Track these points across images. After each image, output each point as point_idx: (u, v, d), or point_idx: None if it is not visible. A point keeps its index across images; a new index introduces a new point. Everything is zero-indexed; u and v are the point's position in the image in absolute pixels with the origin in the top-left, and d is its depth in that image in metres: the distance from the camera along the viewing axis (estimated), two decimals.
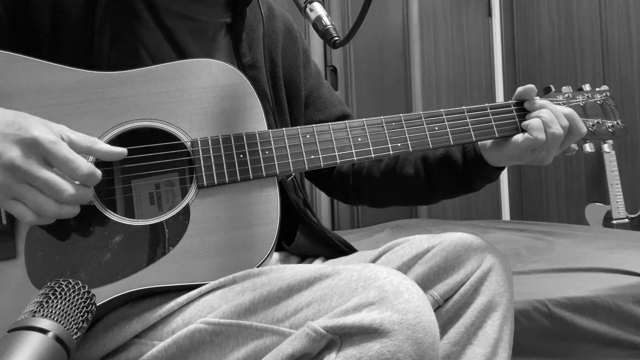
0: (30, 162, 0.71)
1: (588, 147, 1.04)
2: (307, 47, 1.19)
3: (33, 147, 0.72)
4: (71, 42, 0.89)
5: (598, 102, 1.06)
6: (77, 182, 0.75)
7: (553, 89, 1.06)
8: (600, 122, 1.04)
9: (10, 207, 0.73)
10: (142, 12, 0.96)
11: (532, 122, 0.96)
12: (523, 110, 1.00)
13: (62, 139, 0.75)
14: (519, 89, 1.01)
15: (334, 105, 1.17)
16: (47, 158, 0.73)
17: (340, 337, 0.68)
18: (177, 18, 0.98)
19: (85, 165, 0.74)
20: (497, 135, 0.98)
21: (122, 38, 0.92)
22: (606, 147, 1.06)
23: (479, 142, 1.02)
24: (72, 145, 0.76)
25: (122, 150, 0.80)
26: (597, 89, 1.08)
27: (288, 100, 1.10)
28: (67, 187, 0.73)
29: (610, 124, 1.05)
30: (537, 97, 1.00)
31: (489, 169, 1.03)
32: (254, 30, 1.06)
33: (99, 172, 0.76)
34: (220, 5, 1.04)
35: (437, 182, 1.08)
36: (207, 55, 0.97)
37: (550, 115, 0.96)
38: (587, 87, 1.08)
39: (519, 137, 0.97)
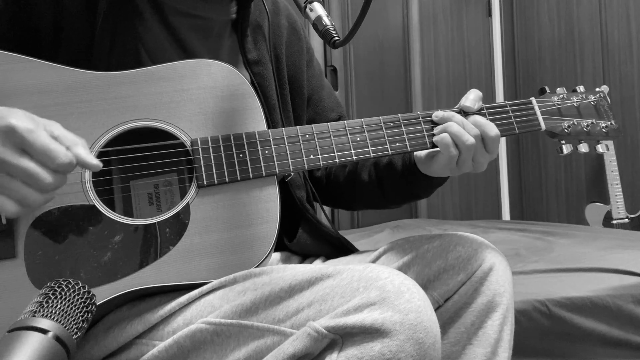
0: (6, 150, 0.69)
1: (582, 148, 1.05)
2: (310, 45, 1.18)
3: (10, 135, 0.69)
4: (72, 42, 0.89)
5: (592, 103, 1.07)
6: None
7: (548, 90, 1.07)
8: (594, 122, 1.06)
9: None
10: (146, 12, 0.95)
11: (440, 138, 0.93)
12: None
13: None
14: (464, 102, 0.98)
15: (332, 109, 1.17)
16: (24, 147, 0.69)
17: (342, 337, 0.68)
18: (181, 16, 0.97)
19: (64, 153, 0.71)
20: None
21: (123, 38, 0.91)
22: (600, 148, 1.07)
23: (415, 153, 1.01)
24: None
25: (97, 163, 0.75)
26: (595, 90, 1.09)
27: (291, 98, 1.10)
28: (46, 176, 0.70)
29: (604, 125, 1.06)
30: (442, 111, 0.97)
31: (425, 178, 1.01)
32: (259, 25, 1.05)
33: (75, 161, 0.72)
34: (225, 2, 1.03)
35: (386, 188, 1.09)
36: (212, 53, 0.97)
37: (458, 127, 0.93)
38: (581, 88, 1.09)
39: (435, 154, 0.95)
